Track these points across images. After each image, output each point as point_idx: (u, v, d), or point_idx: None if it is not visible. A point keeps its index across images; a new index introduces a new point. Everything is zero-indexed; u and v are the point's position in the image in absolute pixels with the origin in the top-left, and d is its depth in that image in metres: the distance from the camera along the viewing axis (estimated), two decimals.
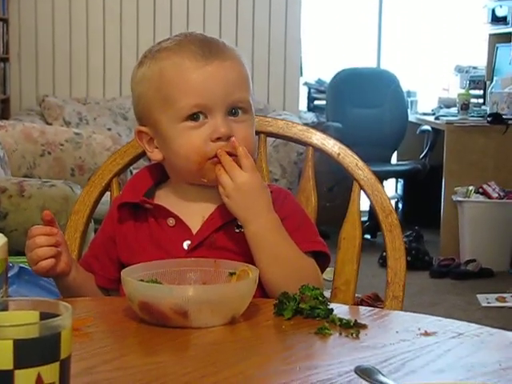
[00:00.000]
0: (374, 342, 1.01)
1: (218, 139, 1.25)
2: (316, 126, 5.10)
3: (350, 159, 1.47)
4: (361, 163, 1.46)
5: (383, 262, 4.41)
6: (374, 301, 3.72)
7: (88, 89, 5.54)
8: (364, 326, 1.06)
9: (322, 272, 1.31)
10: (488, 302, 4.10)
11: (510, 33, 5.64)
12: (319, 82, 6.32)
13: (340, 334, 1.04)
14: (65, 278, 1.27)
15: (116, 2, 5.50)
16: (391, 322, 1.15)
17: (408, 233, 4.91)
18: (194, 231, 1.29)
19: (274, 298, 1.14)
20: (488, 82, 5.76)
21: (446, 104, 5.90)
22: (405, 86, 5.94)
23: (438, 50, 6.70)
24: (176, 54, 1.27)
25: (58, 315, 0.75)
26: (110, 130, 5.11)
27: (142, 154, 1.48)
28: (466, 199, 4.79)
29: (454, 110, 5.56)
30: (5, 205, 2.86)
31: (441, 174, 5.04)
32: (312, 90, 6.31)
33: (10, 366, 0.71)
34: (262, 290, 1.22)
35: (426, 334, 1.04)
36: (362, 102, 5.76)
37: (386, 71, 6.02)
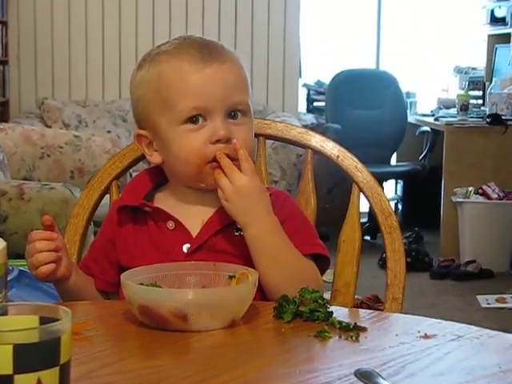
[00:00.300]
0: (373, 344, 1.01)
1: (218, 141, 1.25)
2: (315, 128, 5.11)
3: (349, 161, 1.47)
4: (360, 165, 1.46)
5: (383, 264, 4.41)
6: (374, 302, 3.71)
7: (87, 91, 5.54)
8: (364, 329, 1.06)
9: (322, 274, 1.30)
10: (488, 303, 4.10)
11: (509, 33, 5.64)
12: (318, 83, 6.33)
13: (340, 336, 1.04)
14: (65, 282, 1.27)
15: (115, 4, 5.50)
16: (391, 324, 1.15)
17: (408, 234, 4.91)
18: (194, 234, 1.29)
19: (273, 300, 1.14)
20: (487, 83, 5.76)
21: (446, 105, 5.90)
22: (404, 87, 5.94)
23: (437, 50, 6.70)
24: (175, 57, 1.27)
25: (57, 320, 0.75)
26: (109, 132, 5.11)
27: (142, 157, 1.48)
28: (466, 200, 4.79)
29: (453, 110, 5.56)
30: (4, 208, 2.86)
31: (440, 174, 5.04)
32: (311, 92, 6.31)
33: (10, 371, 0.71)
34: (262, 293, 1.22)
35: (426, 336, 1.04)
36: (361, 104, 5.76)
37: (385, 72, 6.03)
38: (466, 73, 6.17)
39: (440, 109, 5.85)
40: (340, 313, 1.12)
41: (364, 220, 5.23)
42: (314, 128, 5.02)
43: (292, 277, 1.22)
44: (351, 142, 4.42)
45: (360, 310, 1.22)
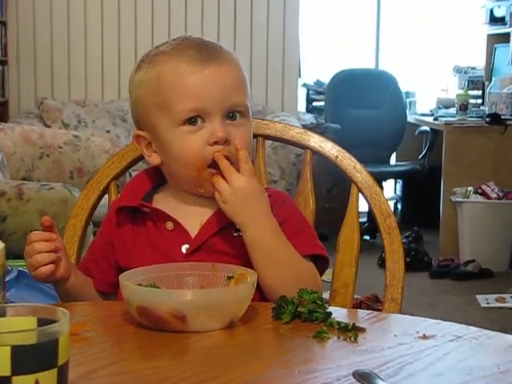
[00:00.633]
0: (372, 345, 1.01)
1: (216, 143, 1.25)
2: (315, 128, 5.11)
3: (348, 162, 1.47)
4: (359, 166, 1.46)
5: (382, 263, 4.40)
6: (374, 302, 3.72)
7: (86, 91, 5.54)
8: (362, 330, 1.06)
9: (321, 275, 1.30)
10: (487, 303, 4.10)
11: (508, 33, 5.64)
12: (318, 83, 6.33)
13: (338, 337, 1.03)
14: (64, 283, 1.27)
15: (114, 4, 5.50)
16: (389, 325, 1.15)
17: (407, 234, 4.91)
18: (193, 235, 1.29)
19: (272, 301, 1.14)
20: (486, 83, 5.76)
21: (445, 104, 5.90)
22: (403, 87, 5.94)
23: (437, 50, 6.70)
24: (173, 58, 1.27)
25: (55, 321, 0.75)
26: (108, 132, 5.10)
27: (141, 158, 1.48)
28: (465, 200, 4.79)
29: (452, 110, 5.56)
30: (3, 208, 2.85)
31: (440, 174, 5.04)
32: (310, 91, 6.31)
33: (8, 373, 0.71)
34: (261, 294, 1.22)
35: (425, 337, 1.04)
36: (360, 103, 5.76)
37: (385, 72, 6.03)
38: (465, 72, 6.17)
39: (439, 108, 5.85)
40: (339, 313, 1.12)
41: (363, 220, 5.23)
42: (313, 128, 5.02)
43: (291, 278, 1.22)
44: (351, 141, 4.43)
45: (359, 310, 1.21)
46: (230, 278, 1.15)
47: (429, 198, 5.48)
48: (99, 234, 1.39)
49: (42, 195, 2.90)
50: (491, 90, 5.38)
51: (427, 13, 6.70)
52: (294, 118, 5.33)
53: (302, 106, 6.12)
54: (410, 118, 5.84)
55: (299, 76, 5.91)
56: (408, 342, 1.02)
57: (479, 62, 6.12)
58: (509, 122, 4.95)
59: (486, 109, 5.37)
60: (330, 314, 1.09)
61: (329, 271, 1.36)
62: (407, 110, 5.90)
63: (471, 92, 5.77)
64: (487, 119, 4.99)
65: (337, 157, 1.48)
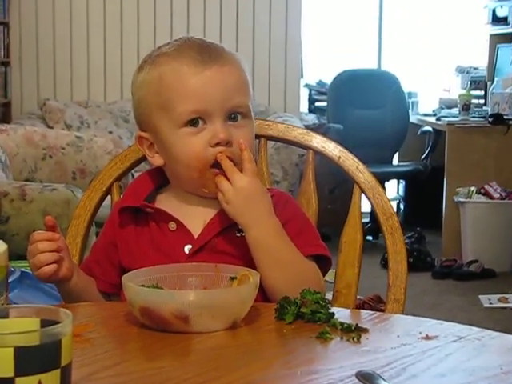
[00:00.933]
0: (375, 346, 1.01)
1: (217, 145, 1.25)
2: (317, 128, 5.10)
3: (351, 162, 1.47)
4: (361, 166, 1.46)
5: (385, 264, 4.40)
6: (377, 303, 3.72)
7: (89, 92, 5.54)
8: (365, 330, 1.06)
9: (324, 275, 1.30)
10: (490, 303, 4.10)
11: (510, 33, 5.64)
12: (320, 83, 6.32)
13: (341, 338, 1.03)
14: (66, 283, 1.27)
15: (117, 5, 5.50)
16: (392, 325, 1.15)
17: (410, 234, 4.91)
18: (196, 235, 1.29)
19: (275, 302, 1.14)
20: (489, 83, 5.76)
21: (447, 105, 5.90)
22: (406, 87, 5.94)
23: (439, 50, 6.69)
24: (175, 59, 1.27)
25: (58, 322, 0.75)
26: (111, 133, 5.11)
27: (143, 158, 1.48)
28: (468, 200, 4.79)
29: (455, 110, 5.55)
30: (6, 209, 2.86)
31: (442, 174, 5.04)
32: (313, 92, 6.31)
33: (11, 374, 0.71)
34: (263, 295, 1.22)
35: (428, 337, 1.04)
36: (362, 104, 5.76)
37: (387, 72, 6.02)
38: (467, 72, 6.16)
39: (442, 109, 5.84)
40: (341, 314, 1.12)
41: (366, 220, 5.23)
42: (315, 128, 5.02)
43: (294, 278, 1.22)
44: (353, 142, 4.44)
45: (361, 311, 1.21)
46: (232, 278, 1.15)
47: (431, 198, 5.47)
48: (102, 234, 1.39)
49: (44, 196, 2.90)
50: (494, 90, 5.38)
51: (429, 13, 6.70)
52: (297, 118, 5.32)
53: (304, 106, 6.12)
54: (413, 119, 5.84)
55: (301, 76, 5.91)
56: (411, 342, 1.02)
57: (481, 62, 6.11)
58: (511, 122, 4.94)
59: (488, 109, 5.36)
60: (333, 314, 1.09)
61: (331, 272, 1.36)
62: (410, 111, 5.90)
63: (474, 92, 5.76)
64: (490, 119, 4.99)
65: (339, 157, 1.48)
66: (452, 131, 5.00)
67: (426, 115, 5.84)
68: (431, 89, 6.52)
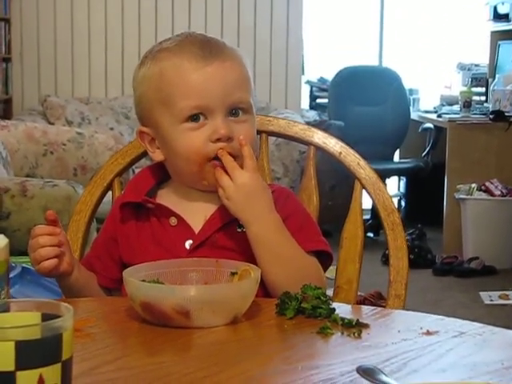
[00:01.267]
0: (375, 341, 1.01)
1: (218, 140, 1.25)
2: (318, 125, 5.10)
3: (352, 158, 1.47)
4: (362, 162, 1.46)
5: (386, 260, 4.40)
6: (377, 299, 3.72)
7: (90, 88, 5.54)
8: (366, 326, 1.06)
9: (325, 271, 1.30)
10: (491, 300, 4.10)
11: None
12: (321, 80, 6.32)
13: (342, 333, 1.03)
14: (67, 278, 1.27)
15: (118, 1, 5.50)
16: (393, 321, 1.15)
17: (411, 231, 4.91)
18: (196, 231, 1.29)
19: (276, 297, 1.14)
20: (490, 80, 5.75)
21: (448, 101, 5.90)
22: (407, 84, 5.94)
23: (440, 47, 6.69)
24: (176, 55, 1.27)
25: (59, 316, 0.75)
26: (112, 129, 5.11)
27: (144, 154, 1.48)
28: (469, 197, 4.79)
29: (456, 107, 5.55)
30: (7, 205, 2.86)
31: (443, 171, 5.04)
32: (314, 89, 6.30)
33: (12, 368, 0.71)
34: (264, 290, 1.22)
35: (428, 333, 1.04)
36: (364, 100, 5.76)
37: (388, 69, 6.02)
38: (468, 69, 6.16)
39: (443, 105, 5.84)
40: (342, 309, 1.12)
41: (367, 217, 5.22)
42: (316, 125, 5.01)
43: (294, 274, 1.22)
44: (354, 138, 4.43)
45: (362, 306, 1.21)
46: (233, 273, 1.15)
47: (432, 195, 5.47)
48: (103, 230, 1.39)
49: (45, 192, 2.90)
50: (495, 87, 5.37)
51: (431, 10, 6.69)
52: (298, 115, 5.33)
53: (305, 103, 6.12)
54: (414, 115, 5.84)
55: (303, 73, 5.91)
56: (412, 337, 1.02)
57: (483, 59, 6.11)
58: None
59: (489, 106, 5.36)
60: (334, 309, 1.09)
61: (332, 268, 1.36)
62: (411, 107, 5.89)
63: (475, 89, 5.76)
64: (491, 116, 4.98)
65: (340, 153, 1.48)
66: (453, 128, 5.00)
67: (427, 112, 5.84)
68: (432, 85, 6.52)
